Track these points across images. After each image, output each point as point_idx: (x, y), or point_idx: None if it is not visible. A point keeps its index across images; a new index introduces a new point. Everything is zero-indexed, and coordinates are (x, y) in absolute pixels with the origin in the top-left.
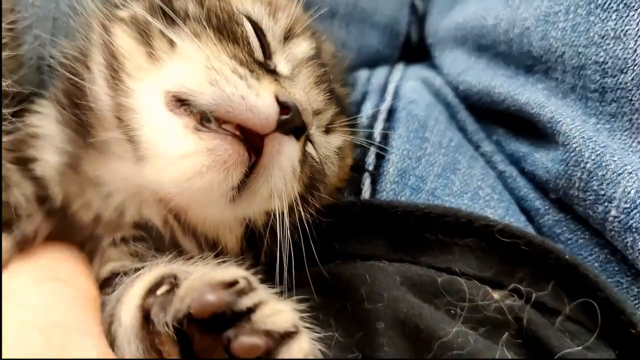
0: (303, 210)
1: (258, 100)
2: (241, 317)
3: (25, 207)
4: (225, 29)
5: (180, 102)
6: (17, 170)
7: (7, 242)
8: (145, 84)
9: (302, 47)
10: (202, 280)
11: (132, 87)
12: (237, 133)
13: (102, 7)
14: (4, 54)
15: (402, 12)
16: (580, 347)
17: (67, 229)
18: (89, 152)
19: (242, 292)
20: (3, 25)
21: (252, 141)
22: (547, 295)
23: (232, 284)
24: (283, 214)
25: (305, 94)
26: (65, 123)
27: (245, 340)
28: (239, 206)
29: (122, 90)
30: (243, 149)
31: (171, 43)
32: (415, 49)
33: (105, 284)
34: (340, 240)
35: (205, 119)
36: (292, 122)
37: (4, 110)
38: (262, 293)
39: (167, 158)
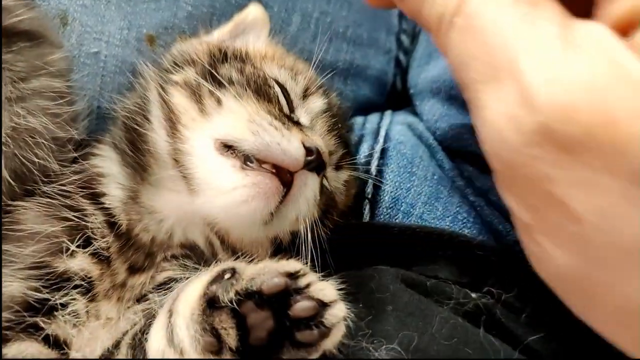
0: (320, 229)
1: (289, 146)
2: (299, 291)
3: (100, 231)
4: (261, 90)
5: (227, 148)
6: (90, 203)
7: (85, 255)
8: (198, 133)
9: (318, 102)
10: (271, 267)
11: (187, 135)
12: (274, 171)
13: (157, 72)
14: (70, 108)
15: (389, 65)
16: (539, 336)
17: (132, 247)
18: (145, 187)
19: (300, 276)
20: (66, 83)
21: (284, 177)
22: (513, 297)
23: (294, 273)
24: (306, 232)
25: (322, 139)
26: (126, 164)
27: (304, 302)
28: (271, 227)
29: (178, 137)
30: (279, 182)
31: (219, 101)
32: (400, 96)
33: (161, 288)
34: (350, 254)
35: (248, 160)
36: (315, 162)
37: (74, 154)
38: (312, 276)
39: (219, 190)
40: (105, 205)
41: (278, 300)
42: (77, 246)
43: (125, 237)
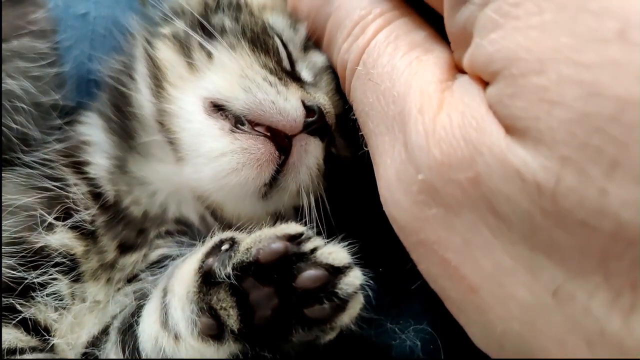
0: (327, 205)
1: (286, 105)
2: (304, 257)
3: (83, 202)
4: (258, 40)
5: (217, 108)
6: (73, 172)
7: (65, 229)
8: (185, 92)
9: (320, 57)
10: (268, 232)
11: (173, 94)
12: (268, 134)
13: (145, 25)
14: (52, 70)
15: None
16: None
17: (121, 221)
18: (133, 155)
19: (304, 240)
20: (49, 44)
21: (281, 142)
22: None
23: (297, 236)
24: (310, 208)
25: (329, 98)
26: (111, 131)
27: (311, 271)
28: (269, 202)
29: (164, 97)
30: (274, 147)
31: (209, 55)
32: None
33: (155, 266)
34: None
35: (239, 122)
36: (317, 124)
37: (57, 122)
38: (319, 241)
39: (206, 157)
40: (90, 175)
41: (281, 270)
42: (56, 219)
43: (113, 210)
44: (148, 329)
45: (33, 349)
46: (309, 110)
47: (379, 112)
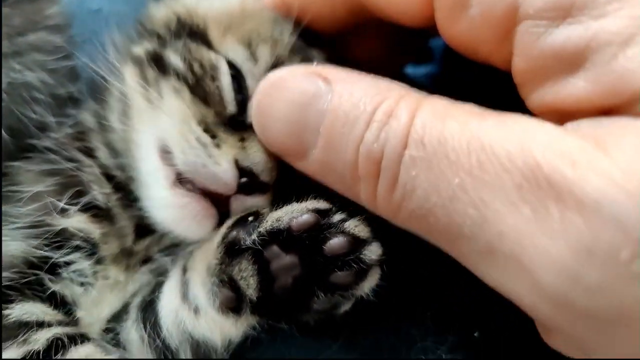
0: None
1: (217, 169)
2: (332, 226)
3: (97, 182)
4: (198, 86)
5: (168, 153)
6: (84, 156)
7: (80, 213)
8: (145, 126)
9: None
10: (299, 206)
11: (136, 125)
12: (206, 192)
13: (122, 41)
14: (68, 63)
15: None
16: None
17: (136, 202)
18: None
19: (331, 214)
20: (64, 39)
21: (217, 199)
22: None
23: (326, 210)
24: None
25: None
26: (100, 130)
27: (340, 238)
28: None
29: (130, 125)
30: (210, 205)
31: (160, 93)
32: None
33: (170, 247)
34: None
35: (182, 175)
36: (251, 185)
37: (72, 112)
38: (344, 215)
39: (156, 202)
40: (100, 160)
41: (307, 240)
42: (70, 202)
43: (126, 190)
44: (168, 304)
45: (59, 323)
46: (243, 171)
47: (483, 190)
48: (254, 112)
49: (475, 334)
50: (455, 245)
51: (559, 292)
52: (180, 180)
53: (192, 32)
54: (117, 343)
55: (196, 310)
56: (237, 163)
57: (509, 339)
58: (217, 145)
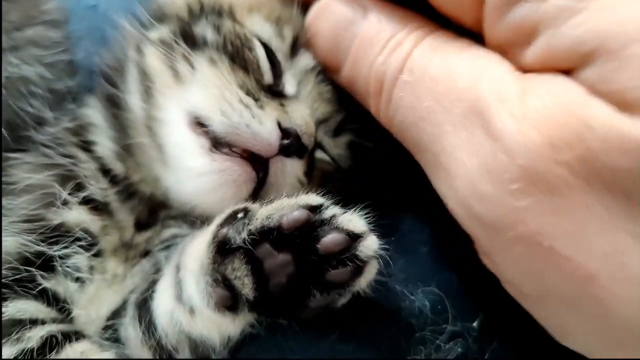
0: None
1: (261, 128)
2: (325, 223)
3: (94, 177)
4: (238, 55)
5: (200, 124)
6: (81, 151)
7: (81, 206)
8: (172, 102)
9: (306, 58)
10: (290, 202)
11: (161, 102)
12: (245, 155)
13: (136, 27)
14: (65, 58)
15: None
16: None
17: (134, 195)
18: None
19: (324, 210)
20: (61, 34)
21: (258, 163)
22: None
23: (317, 206)
24: None
25: (310, 108)
26: (109, 120)
27: (334, 234)
28: None
29: (153, 104)
30: (250, 168)
31: (192, 66)
32: None
33: (166, 242)
34: None
35: (218, 141)
36: (292, 147)
37: (71, 106)
38: (338, 209)
39: (187, 173)
40: (97, 154)
41: (299, 237)
42: (70, 194)
43: (124, 184)
44: (163, 305)
45: (53, 320)
46: (285, 132)
47: (440, 113)
48: (307, 31)
49: (474, 324)
50: (419, 156)
51: (466, 198)
52: (216, 146)
53: (219, 12)
54: (115, 339)
55: (191, 311)
56: (279, 124)
57: (508, 328)
58: (261, 107)
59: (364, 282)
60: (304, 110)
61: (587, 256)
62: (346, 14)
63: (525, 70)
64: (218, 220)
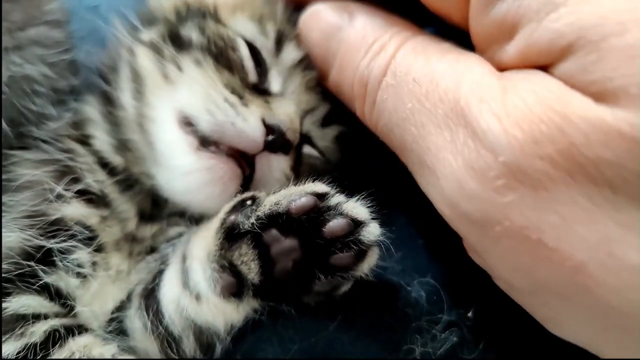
0: None
1: (245, 126)
2: (330, 209)
3: (92, 171)
4: (222, 56)
5: (189, 124)
6: (79, 145)
7: (79, 200)
8: (162, 100)
9: (291, 53)
10: (297, 189)
11: (152, 101)
12: (232, 153)
13: (127, 29)
14: (68, 57)
15: None
16: None
17: (135, 185)
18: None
19: (330, 197)
20: (64, 34)
21: (244, 160)
22: None
23: (324, 194)
24: None
25: (296, 104)
26: (104, 116)
27: (339, 219)
28: None
29: (144, 102)
30: (236, 166)
31: (179, 67)
32: None
33: (173, 239)
34: None
35: (206, 140)
36: (277, 143)
37: (73, 104)
38: (342, 197)
39: (176, 171)
40: (95, 148)
41: (307, 223)
42: (66, 189)
43: (123, 175)
44: (169, 292)
45: (56, 315)
46: (270, 128)
47: (423, 114)
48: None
49: (469, 314)
50: (405, 157)
51: (452, 197)
52: (203, 145)
53: (204, 14)
54: (119, 331)
55: (197, 297)
56: (264, 121)
57: (502, 318)
58: (245, 105)
59: (366, 267)
60: (289, 107)
61: (575, 247)
62: (333, 20)
63: (505, 67)
64: (226, 207)
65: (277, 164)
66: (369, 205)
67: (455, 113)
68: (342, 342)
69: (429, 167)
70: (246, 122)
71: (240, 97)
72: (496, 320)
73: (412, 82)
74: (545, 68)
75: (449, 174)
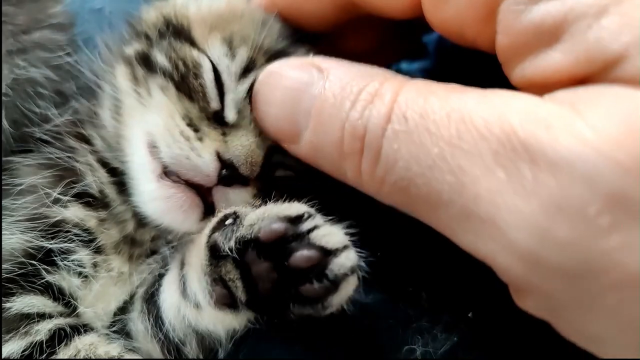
0: None
1: (199, 161)
2: (301, 237)
3: (92, 169)
4: (184, 82)
5: (155, 148)
6: (80, 142)
7: (77, 203)
8: (135, 122)
9: (250, 80)
10: (272, 212)
11: (127, 122)
12: (190, 184)
13: (114, 42)
14: (71, 60)
15: None
16: None
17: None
18: None
19: (304, 220)
20: (68, 37)
21: (201, 190)
22: None
23: (298, 217)
24: None
25: (255, 133)
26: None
27: (304, 251)
28: None
29: (121, 121)
30: (195, 195)
31: (149, 91)
32: None
33: (172, 242)
34: None
35: (167, 168)
36: (230, 177)
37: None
38: (319, 220)
39: (144, 195)
40: (96, 148)
41: (279, 248)
42: (65, 191)
43: (122, 176)
44: (169, 299)
45: (60, 314)
46: (224, 163)
47: (461, 157)
48: (254, 100)
49: (470, 314)
50: (434, 213)
51: (531, 249)
52: (167, 173)
53: (176, 31)
54: (123, 332)
55: (197, 306)
56: (219, 156)
57: (503, 319)
58: (200, 139)
59: (338, 300)
60: (245, 139)
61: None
62: (300, 76)
63: (547, 77)
64: (211, 224)
65: (235, 196)
66: (351, 225)
67: (510, 148)
68: (344, 341)
69: (481, 218)
70: (200, 158)
71: (196, 130)
72: (496, 320)
73: (433, 124)
74: (591, 77)
75: (519, 222)
